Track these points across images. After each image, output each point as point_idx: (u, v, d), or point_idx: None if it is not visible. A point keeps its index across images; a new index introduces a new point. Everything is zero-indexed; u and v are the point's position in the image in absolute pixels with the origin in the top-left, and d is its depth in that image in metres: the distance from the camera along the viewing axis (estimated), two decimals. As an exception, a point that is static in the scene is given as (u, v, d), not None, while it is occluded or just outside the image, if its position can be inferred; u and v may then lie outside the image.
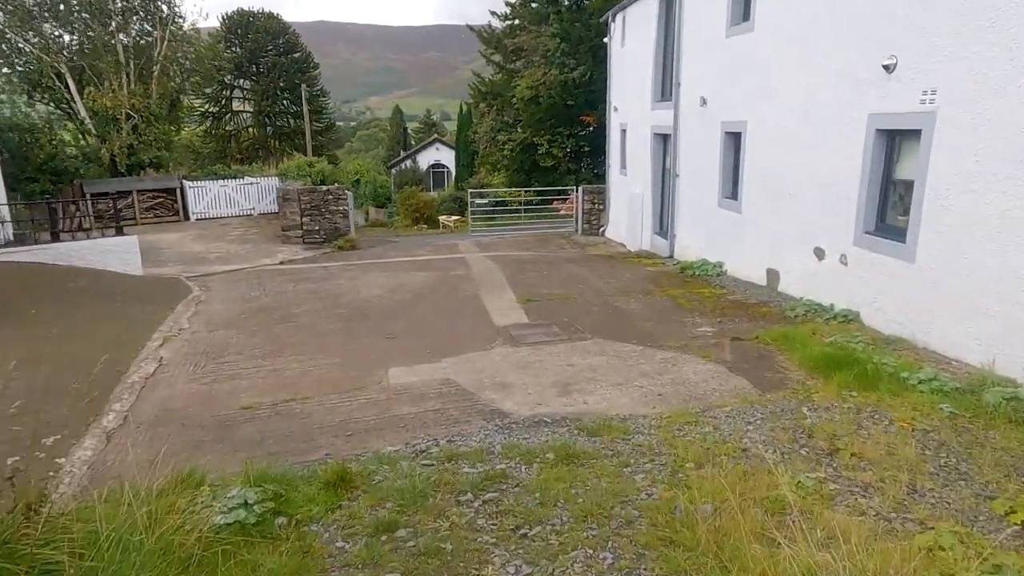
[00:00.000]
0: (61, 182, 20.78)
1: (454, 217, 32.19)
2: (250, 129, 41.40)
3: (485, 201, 23.42)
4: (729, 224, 11.66)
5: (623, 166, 18.13)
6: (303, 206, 18.34)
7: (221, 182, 22.60)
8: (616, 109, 18.62)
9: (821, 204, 8.87)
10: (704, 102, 12.30)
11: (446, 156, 46.00)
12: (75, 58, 21.37)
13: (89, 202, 20.76)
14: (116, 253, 13.81)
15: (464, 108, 38.71)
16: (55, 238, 13.68)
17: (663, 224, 15.30)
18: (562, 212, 21.48)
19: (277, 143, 40.10)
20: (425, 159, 46.33)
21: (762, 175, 10.46)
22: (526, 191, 26.87)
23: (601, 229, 19.79)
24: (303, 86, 35.13)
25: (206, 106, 39.80)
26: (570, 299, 10.26)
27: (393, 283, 12.13)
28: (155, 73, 23.06)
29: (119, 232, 13.90)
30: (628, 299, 10.15)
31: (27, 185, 20.15)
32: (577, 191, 20.24)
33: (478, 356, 7.55)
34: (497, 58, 32.89)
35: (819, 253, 8.97)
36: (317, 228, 18.45)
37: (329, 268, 14.63)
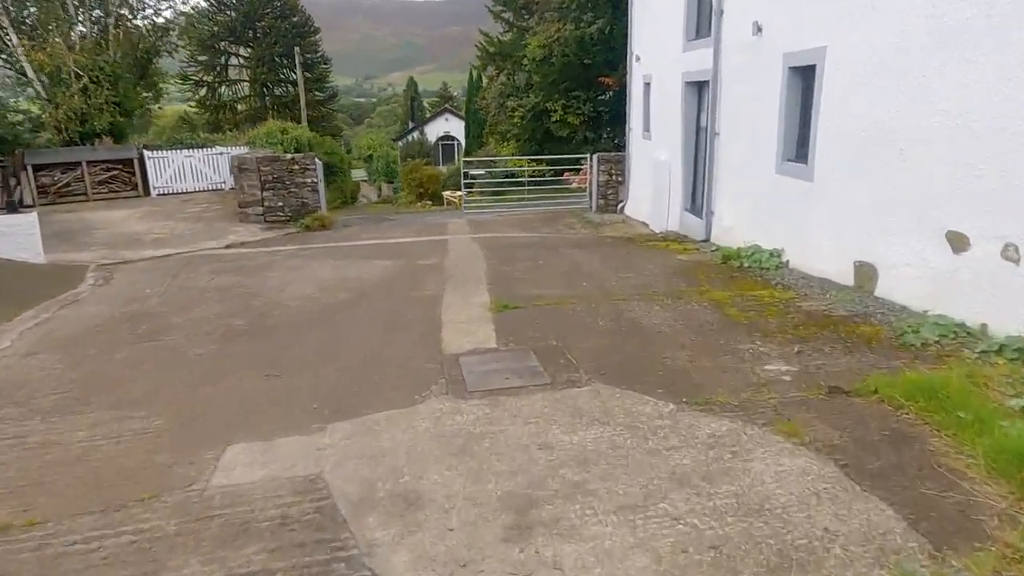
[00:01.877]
0: (1, 152, 17.93)
1: (459, 193, 28.95)
2: (249, 99, 38.37)
3: (482, 172, 20.09)
4: (794, 196, 8.27)
5: (646, 128, 14.70)
6: (264, 178, 15.24)
7: (186, 152, 19.56)
8: (638, 59, 15.13)
9: (963, 166, 5.49)
10: (758, 29, 8.85)
11: (456, 127, 42.60)
12: (11, 5, 18.30)
13: (31, 175, 18.04)
14: (9, 236, 10.87)
15: (473, 74, 35.22)
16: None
17: (696, 198, 11.91)
18: (574, 186, 18.11)
19: (275, 114, 37.01)
20: (434, 131, 42.95)
21: (851, 125, 7.05)
22: (533, 161, 23.49)
23: (620, 205, 16.43)
24: (296, 49, 31.86)
25: (200, 74, 36.83)
26: (566, 305, 7.00)
27: (338, 276, 9.00)
28: (110, 27, 20.00)
29: (13, 210, 10.97)
30: (651, 306, 6.86)
31: (-40, 155, 17.35)
32: (591, 160, 16.87)
33: (392, 420, 4.37)
34: (507, 15, 29.30)
35: (956, 241, 5.60)
36: (281, 204, 15.36)
37: (276, 254, 11.55)
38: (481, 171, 20.41)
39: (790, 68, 8.25)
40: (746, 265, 8.60)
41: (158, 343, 6.30)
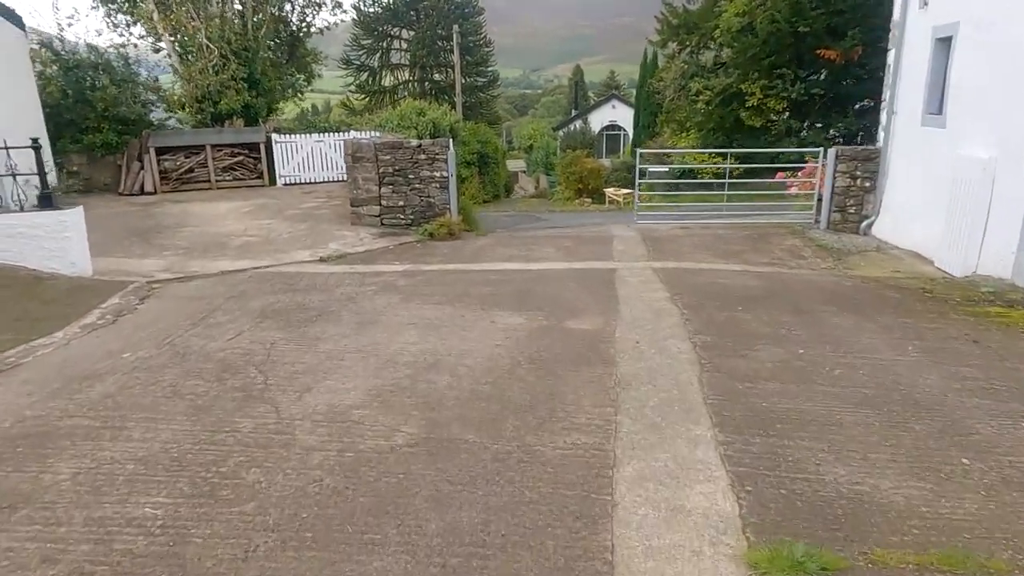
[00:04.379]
0: (129, 133, 16.07)
1: (624, 191, 24.19)
2: (408, 84, 36.09)
3: (665, 170, 15.28)
4: None
5: (935, 109, 9.24)
6: (382, 170, 11.69)
7: (316, 137, 16.73)
8: (925, 3, 9.67)
9: None
10: None
11: (623, 115, 37.63)
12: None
13: (153, 158, 16.03)
14: (36, 240, 8.07)
15: (648, 52, 30.10)
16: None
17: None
18: (794, 191, 12.83)
19: (433, 99, 34.39)
20: (598, 119, 38.27)
21: None
22: (718, 156, 18.20)
23: (865, 222, 11.05)
24: (455, 28, 28.66)
25: (362, 57, 35.02)
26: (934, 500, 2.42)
27: (421, 355, 4.93)
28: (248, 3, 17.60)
29: (47, 204, 8.18)
30: None
31: (88, 136, 15.65)
32: (824, 158, 11.59)
33: None
34: (696, -19, 24.01)
35: None
36: (402, 204, 11.73)
37: (367, 280, 7.79)
38: (663, 168, 15.61)
39: None
40: None
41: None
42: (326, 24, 22.82)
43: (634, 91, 37.58)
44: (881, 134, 11.16)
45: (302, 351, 5.16)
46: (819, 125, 21.00)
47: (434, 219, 11.49)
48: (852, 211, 11.24)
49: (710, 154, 17.87)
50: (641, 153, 11.55)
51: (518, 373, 4.54)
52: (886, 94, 11.02)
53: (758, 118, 20.77)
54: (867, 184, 11.08)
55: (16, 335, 5.83)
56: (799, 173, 13.23)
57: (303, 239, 10.84)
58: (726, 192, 11.97)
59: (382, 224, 11.76)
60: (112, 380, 4.64)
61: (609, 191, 23.50)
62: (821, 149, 11.63)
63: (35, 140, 8.02)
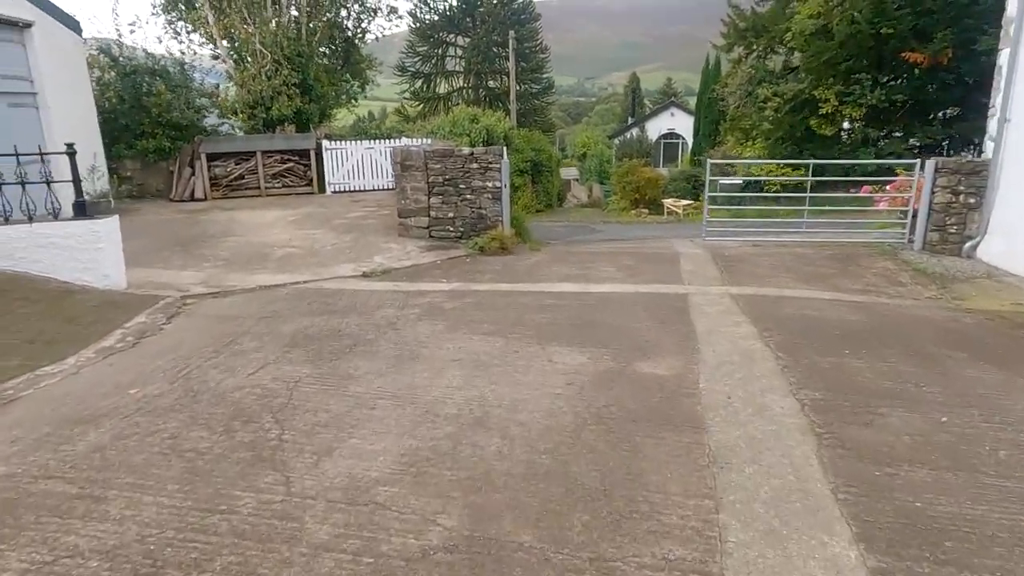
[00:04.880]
0: (182, 139, 15.89)
1: (684, 202, 22.97)
2: (463, 91, 35.60)
3: (739, 182, 14.11)
4: None
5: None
6: (432, 179, 10.98)
7: (367, 144, 16.22)
8: (1052, -6, 8.37)
9: None
10: None
11: (682, 123, 36.26)
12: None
13: (204, 165, 15.78)
14: (68, 250, 7.62)
15: (709, 58, 28.78)
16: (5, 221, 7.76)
17: None
18: (883, 207, 11.52)
19: (488, 107, 33.85)
20: (656, 127, 36.96)
21: None
22: (786, 168, 16.85)
23: (969, 244, 9.73)
24: (511, 33, 27.93)
25: (417, 64, 34.73)
26: None
27: (466, 406, 4.06)
28: (303, 8, 17.25)
29: (81, 212, 7.73)
30: None
31: (142, 141, 15.53)
32: (919, 170, 10.31)
33: None
34: (765, -18, 22.69)
35: None
36: (451, 215, 11.00)
37: (410, 302, 7.03)
38: (736, 180, 14.43)
39: None
40: None
41: None
42: (382, 31, 22.46)
43: (690, 99, 36.26)
44: (988, 144, 9.84)
45: (328, 394, 4.39)
46: (898, 134, 19.44)
47: (485, 232, 10.72)
48: (953, 231, 9.93)
49: (782, 165, 16.55)
50: (710, 162, 10.45)
51: (584, 438, 3.64)
52: (995, 100, 9.70)
53: (828, 126, 19.35)
54: (971, 200, 9.77)
55: (25, 360, 5.27)
56: (888, 187, 11.90)
57: (347, 252, 10.21)
58: (806, 207, 10.74)
59: (430, 236, 11.05)
60: (109, 426, 3.96)
61: (668, 202, 22.33)
62: (917, 161, 10.33)
63: (70, 145, 7.56)
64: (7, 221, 7.54)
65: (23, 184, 7.37)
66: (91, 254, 7.65)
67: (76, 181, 7.69)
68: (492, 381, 4.58)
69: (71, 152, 7.55)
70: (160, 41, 32.87)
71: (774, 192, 16.00)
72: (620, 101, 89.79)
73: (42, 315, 6.46)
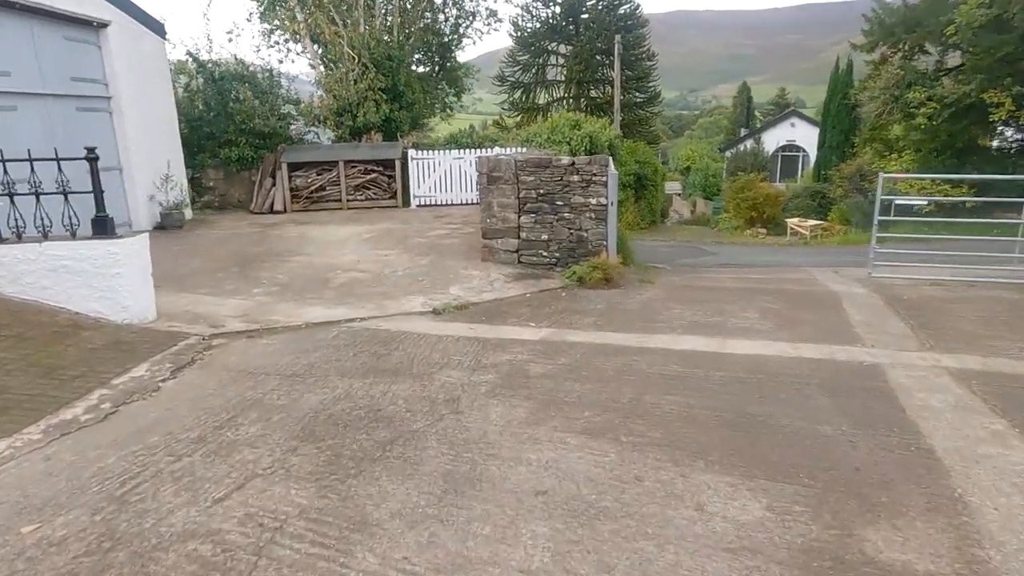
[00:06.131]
0: (265, 148, 14.91)
1: (811, 222, 19.92)
2: (564, 100, 33.72)
3: (925, 203, 11.21)
4: None
5: None
6: (523, 194, 9.07)
7: (455, 153, 14.61)
8: None
9: None
10: None
11: (804, 134, 32.67)
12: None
13: (285, 175, 14.69)
14: (83, 275, 6.28)
15: (841, 63, 25.39)
16: (18, 238, 6.56)
17: None
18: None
19: (589, 115, 31.83)
20: (773, 138, 33.51)
21: None
22: (945, 184, 13.64)
23: None
24: (616, 38, 25.73)
25: (517, 74, 33.22)
26: None
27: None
28: (395, 5, 15.95)
29: (102, 230, 6.39)
30: None
31: (225, 150, 14.67)
32: None
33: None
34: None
35: None
36: (545, 238, 9.04)
37: (487, 354, 5.12)
38: (919, 200, 11.55)
39: None
40: None
41: None
42: (480, 35, 21.02)
43: (804, 111, 32.74)
44: None
45: (316, 570, 2.50)
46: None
47: (586, 258, 8.69)
48: None
49: (953, 183, 13.43)
50: (883, 176, 7.90)
51: None
52: None
53: (994, 136, 15.92)
54: None
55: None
56: None
57: (420, 279, 8.45)
58: (998, 237, 7.94)
59: (519, 262, 9.14)
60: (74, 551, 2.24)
61: (792, 222, 19.40)
62: None
63: (91, 150, 6.22)
64: (20, 239, 6.31)
65: (37, 195, 6.11)
66: (108, 281, 6.26)
67: (97, 192, 6.31)
68: (601, 559, 2.53)
69: (92, 158, 6.19)
70: (258, 50, 33.10)
71: (942, 216, 12.87)
72: (726, 114, 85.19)
73: (21, 362, 5.03)
